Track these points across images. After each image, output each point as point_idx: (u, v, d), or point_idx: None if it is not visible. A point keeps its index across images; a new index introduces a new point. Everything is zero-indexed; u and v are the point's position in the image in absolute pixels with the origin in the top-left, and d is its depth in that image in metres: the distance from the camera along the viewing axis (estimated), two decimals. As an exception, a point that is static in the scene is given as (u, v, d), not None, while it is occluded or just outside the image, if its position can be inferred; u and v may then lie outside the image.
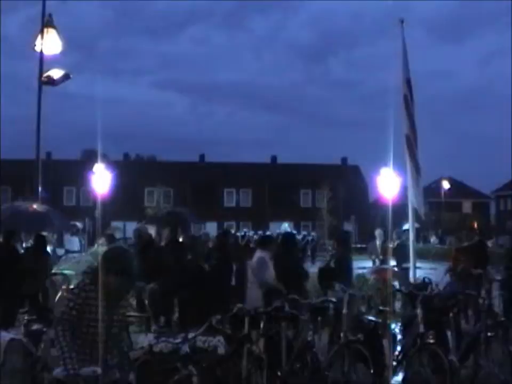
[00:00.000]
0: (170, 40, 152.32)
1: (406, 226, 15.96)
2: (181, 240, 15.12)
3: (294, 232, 51.07)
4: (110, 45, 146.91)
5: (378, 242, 23.54)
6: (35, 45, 14.46)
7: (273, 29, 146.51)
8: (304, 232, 52.52)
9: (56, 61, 14.88)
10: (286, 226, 54.62)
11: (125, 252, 5.46)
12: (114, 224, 55.10)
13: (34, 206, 13.04)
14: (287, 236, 12.82)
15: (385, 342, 9.05)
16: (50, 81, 14.20)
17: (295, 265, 11.48)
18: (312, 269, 15.07)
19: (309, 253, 45.35)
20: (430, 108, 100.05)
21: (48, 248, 15.46)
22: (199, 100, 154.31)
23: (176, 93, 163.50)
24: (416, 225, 14.75)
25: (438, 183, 69.99)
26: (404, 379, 8.65)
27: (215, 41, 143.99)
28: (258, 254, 10.62)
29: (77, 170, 58.32)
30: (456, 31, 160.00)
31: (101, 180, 23.55)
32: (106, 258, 5.41)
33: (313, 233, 51.98)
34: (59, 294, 13.89)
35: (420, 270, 15.51)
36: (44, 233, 14.21)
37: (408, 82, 13.26)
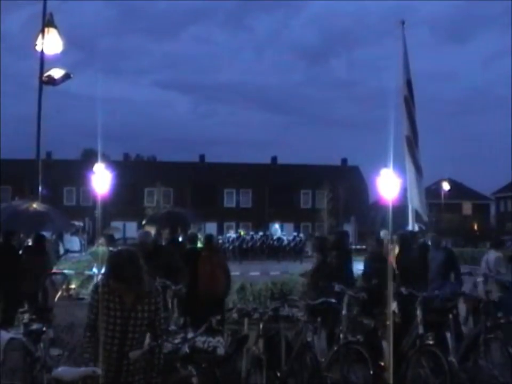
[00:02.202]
0: (172, 39, 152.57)
1: (416, 227, 16.00)
2: (180, 239, 15.14)
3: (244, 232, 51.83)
4: (112, 44, 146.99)
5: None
6: (36, 44, 14.46)
7: (275, 29, 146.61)
8: (294, 233, 53.10)
9: (57, 61, 14.89)
10: (276, 227, 55.03)
11: (128, 257, 5.35)
12: (114, 224, 55.14)
13: (35, 206, 13.03)
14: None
15: (384, 343, 9.05)
16: (51, 81, 14.20)
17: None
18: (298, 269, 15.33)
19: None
20: (431, 108, 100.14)
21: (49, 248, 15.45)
22: (200, 100, 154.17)
23: (178, 93, 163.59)
24: (421, 226, 14.83)
25: (438, 185, 69.94)
26: (403, 380, 8.65)
27: (217, 40, 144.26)
28: (494, 254, 10.86)
29: (77, 170, 58.25)
30: (459, 31, 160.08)
31: (101, 180, 23.50)
32: (108, 263, 5.39)
33: (301, 235, 52.38)
34: (59, 294, 13.90)
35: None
36: (45, 233, 14.20)
37: (408, 83, 13.29)
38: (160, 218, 20.73)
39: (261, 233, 51.60)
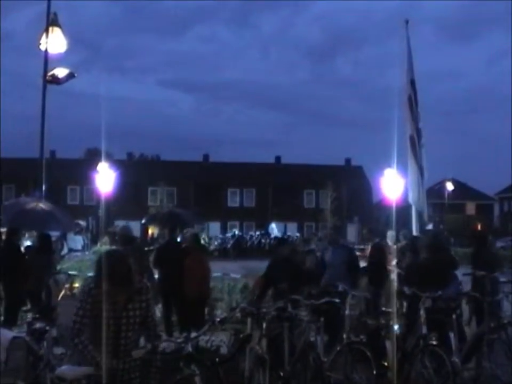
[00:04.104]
0: (176, 38, 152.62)
1: (429, 227, 16.04)
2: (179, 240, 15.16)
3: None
4: (117, 43, 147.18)
5: (390, 243, 23.66)
6: (40, 44, 14.48)
7: (280, 28, 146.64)
8: (289, 233, 53.85)
9: (61, 60, 14.89)
10: (273, 227, 55.70)
11: (118, 258, 5.35)
12: (117, 223, 55.22)
13: (41, 205, 13.06)
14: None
15: (387, 343, 9.05)
16: (55, 80, 14.21)
17: None
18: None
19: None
20: (436, 108, 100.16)
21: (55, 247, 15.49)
22: (204, 99, 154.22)
23: (182, 92, 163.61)
24: (430, 226, 14.88)
25: (441, 185, 69.82)
26: (406, 380, 8.64)
27: (221, 39, 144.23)
28: None
29: (81, 169, 58.40)
30: (464, 30, 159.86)
31: (105, 179, 23.58)
32: (98, 265, 5.39)
33: (297, 234, 52.98)
34: (62, 293, 13.92)
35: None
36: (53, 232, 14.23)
37: (412, 83, 13.27)
38: (161, 218, 20.96)
39: (258, 233, 52.13)
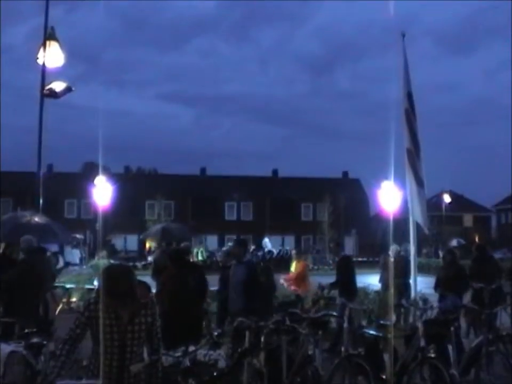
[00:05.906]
0: (176, 51, 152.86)
1: (454, 243, 16.32)
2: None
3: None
4: (116, 56, 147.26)
5: (392, 257, 23.88)
6: (37, 58, 14.51)
7: (280, 41, 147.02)
8: (280, 247, 54.06)
9: (59, 73, 14.93)
10: (266, 241, 55.82)
11: (121, 272, 5.34)
12: (115, 236, 55.17)
13: (37, 219, 13.05)
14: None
15: (386, 356, 9.03)
16: (52, 94, 14.23)
17: None
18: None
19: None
20: (433, 120, 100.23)
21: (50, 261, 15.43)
22: (203, 112, 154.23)
23: (181, 105, 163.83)
24: (462, 241, 15.16)
25: (438, 197, 69.89)
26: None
27: (221, 52, 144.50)
28: None
29: (78, 183, 58.36)
30: (463, 42, 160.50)
31: (102, 193, 23.54)
32: (101, 279, 5.37)
33: (287, 248, 53.20)
34: (59, 307, 13.88)
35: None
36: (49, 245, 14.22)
37: (409, 96, 13.30)
38: (155, 233, 21.37)
39: (253, 247, 52.25)
